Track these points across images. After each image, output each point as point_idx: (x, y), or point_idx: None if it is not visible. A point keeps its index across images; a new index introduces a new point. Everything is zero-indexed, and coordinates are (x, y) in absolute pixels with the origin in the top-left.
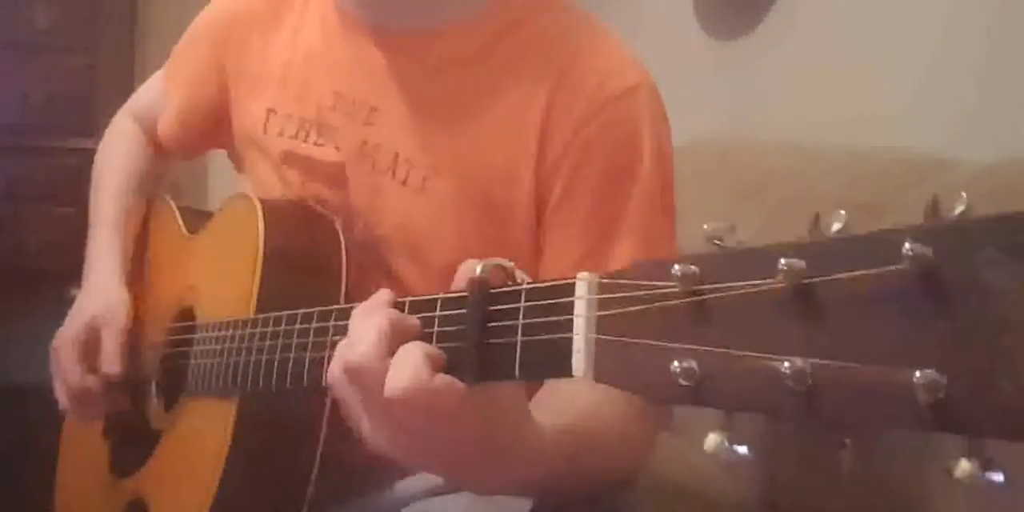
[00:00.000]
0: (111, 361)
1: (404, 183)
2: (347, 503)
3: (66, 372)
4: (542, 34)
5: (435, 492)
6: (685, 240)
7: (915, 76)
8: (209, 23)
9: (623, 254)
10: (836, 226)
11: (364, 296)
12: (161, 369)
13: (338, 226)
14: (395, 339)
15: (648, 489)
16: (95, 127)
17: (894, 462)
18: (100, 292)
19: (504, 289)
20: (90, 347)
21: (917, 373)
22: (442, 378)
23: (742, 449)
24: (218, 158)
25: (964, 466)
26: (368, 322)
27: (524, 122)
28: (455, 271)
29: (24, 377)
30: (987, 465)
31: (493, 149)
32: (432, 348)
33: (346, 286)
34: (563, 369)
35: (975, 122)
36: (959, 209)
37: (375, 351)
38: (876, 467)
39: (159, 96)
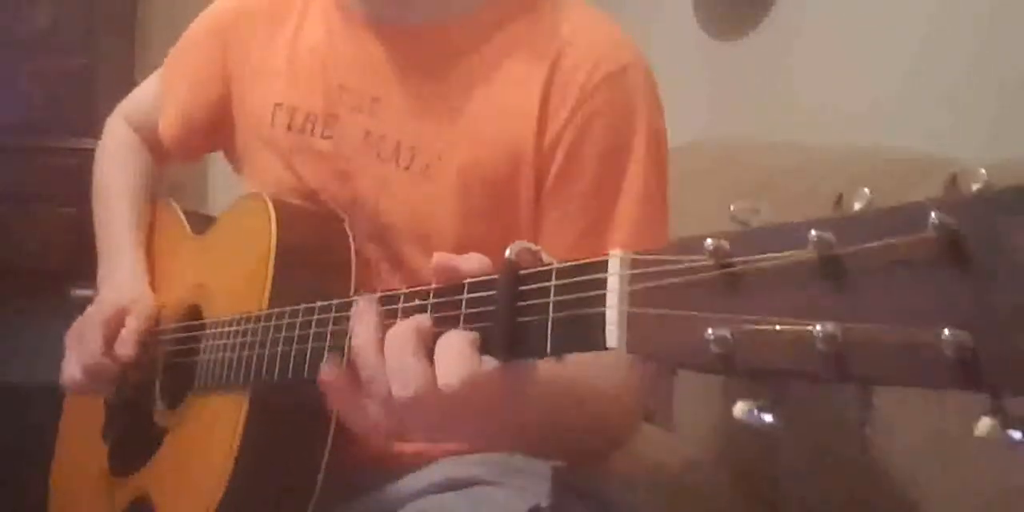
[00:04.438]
0: (126, 343)
1: (408, 169)
2: (349, 500)
3: (88, 344)
4: (538, 24)
5: (435, 490)
6: None
7: (915, 76)
8: (210, 24)
9: (621, 229)
10: (858, 204)
11: (371, 286)
12: (165, 368)
13: (347, 225)
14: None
15: (648, 488)
16: (95, 127)
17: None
18: (127, 285)
19: (534, 270)
20: (114, 329)
21: (945, 331)
22: (488, 360)
23: (768, 417)
24: (218, 159)
25: (985, 423)
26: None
27: (522, 105)
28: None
29: (24, 377)
30: (1008, 423)
31: (493, 132)
32: (468, 333)
33: (356, 282)
34: (596, 342)
35: (975, 122)
36: (977, 186)
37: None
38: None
39: (156, 99)
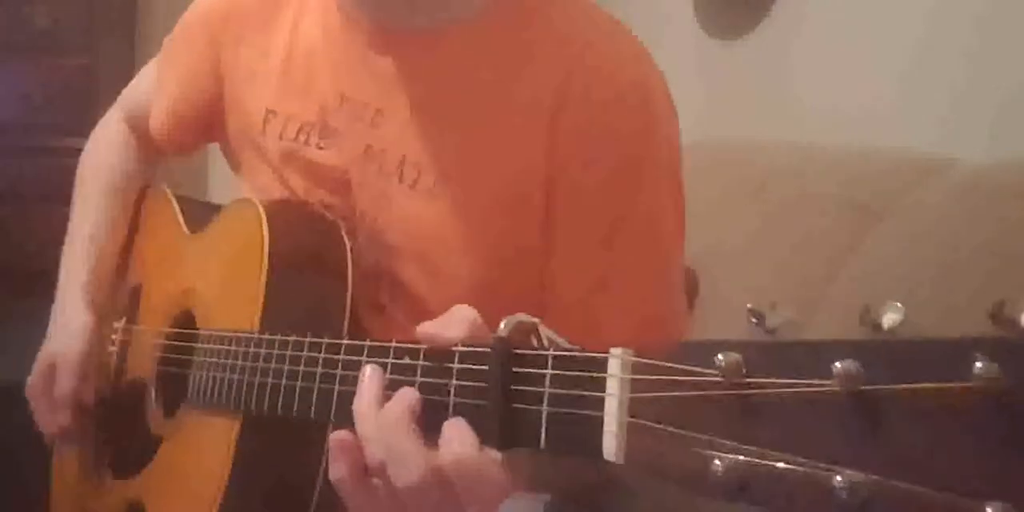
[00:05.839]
0: (58, 410)
1: (413, 187)
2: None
3: (39, 420)
4: (548, 30)
5: None
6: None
7: (915, 75)
8: (203, 17)
9: (634, 247)
10: (893, 317)
11: (369, 305)
12: (159, 373)
13: (343, 231)
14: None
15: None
16: (95, 127)
17: None
18: (63, 323)
19: (530, 351)
20: (49, 388)
21: (988, 509)
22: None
23: None
24: (219, 155)
25: None
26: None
27: (533, 120)
28: (464, 279)
29: (23, 377)
30: None
31: (504, 149)
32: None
33: (352, 293)
34: (593, 449)
35: (975, 122)
36: None
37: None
38: None
39: (150, 91)
